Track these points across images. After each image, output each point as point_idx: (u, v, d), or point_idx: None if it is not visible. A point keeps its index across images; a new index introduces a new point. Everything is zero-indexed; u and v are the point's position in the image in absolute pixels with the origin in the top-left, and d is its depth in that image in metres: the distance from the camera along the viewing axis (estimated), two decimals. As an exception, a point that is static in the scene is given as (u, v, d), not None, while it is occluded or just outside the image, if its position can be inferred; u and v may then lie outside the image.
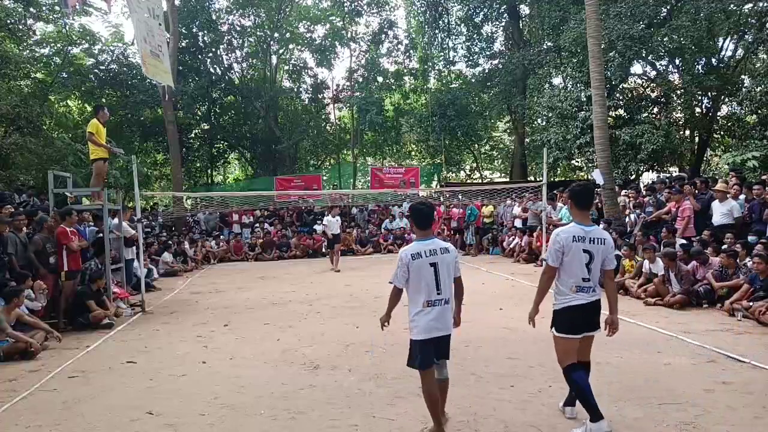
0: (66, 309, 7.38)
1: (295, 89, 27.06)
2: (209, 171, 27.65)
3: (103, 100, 23.00)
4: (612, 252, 3.71)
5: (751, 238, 7.83)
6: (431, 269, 3.52)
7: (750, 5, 14.73)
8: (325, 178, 24.26)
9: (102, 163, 8.65)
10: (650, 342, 5.71)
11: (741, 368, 4.77)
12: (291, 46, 25.95)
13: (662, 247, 8.49)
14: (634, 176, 16.75)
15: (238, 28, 24.66)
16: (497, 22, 24.39)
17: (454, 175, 29.00)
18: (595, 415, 3.45)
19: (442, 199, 19.97)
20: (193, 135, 26.41)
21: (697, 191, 9.62)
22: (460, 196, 18.35)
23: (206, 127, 26.15)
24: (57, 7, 17.05)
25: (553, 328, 3.69)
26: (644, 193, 12.22)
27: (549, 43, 18.94)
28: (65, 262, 7.41)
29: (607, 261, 3.67)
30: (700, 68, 16.75)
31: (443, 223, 17.38)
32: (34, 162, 14.65)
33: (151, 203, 23.43)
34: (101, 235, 8.94)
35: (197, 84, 23.51)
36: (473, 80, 25.54)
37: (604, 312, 3.72)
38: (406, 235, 17.54)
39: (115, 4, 26.77)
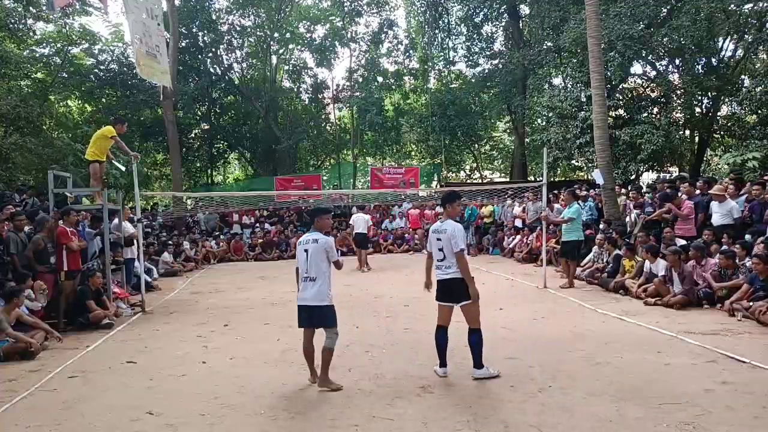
0: (66, 309, 7.38)
1: (295, 89, 27.05)
2: (209, 171, 27.63)
3: (103, 100, 23.05)
4: (454, 238, 4.62)
5: (747, 237, 7.82)
6: (304, 254, 4.62)
7: (750, 5, 14.73)
8: (325, 178, 24.26)
9: (98, 165, 8.80)
10: (650, 342, 5.71)
11: (741, 368, 4.76)
12: (291, 46, 25.95)
13: (663, 246, 8.49)
14: (634, 176, 16.74)
15: (238, 28, 24.68)
16: (497, 22, 24.37)
17: (454, 175, 29.01)
18: (442, 363, 4.80)
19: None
20: (193, 135, 26.42)
21: (699, 192, 9.61)
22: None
23: (206, 127, 26.15)
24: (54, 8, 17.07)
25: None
26: (645, 191, 12.20)
27: (549, 43, 18.92)
28: (65, 261, 7.41)
29: (452, 245, 4.63)
30: (700, 68, 16.74)
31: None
32: (34, 162, 14.65)
33: (151, 203, 23.44)
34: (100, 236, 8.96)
35: (197, 84, 23.53)
36: (473, 80, 25.53)
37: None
38: (406, 235, 17.56)
39: (113, 3, 26.81)
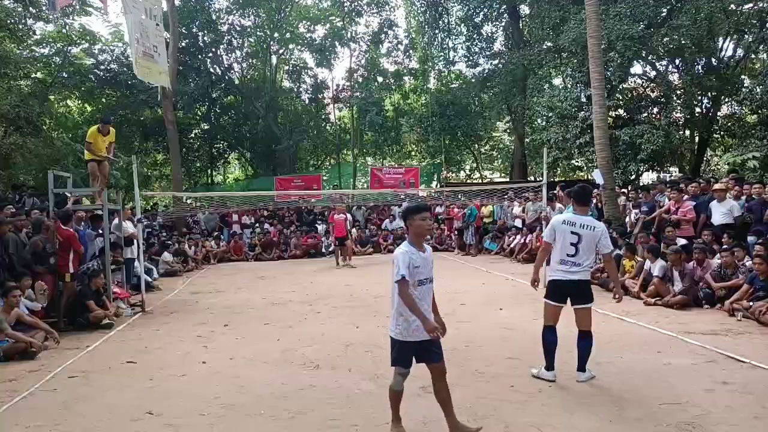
0: (66, 309, 7.38)
1: (295, 89, 27.07)
2: (209, 171, 27.66)
3: (103, 100, 23.05)
4: (606, 238, 4.47)
5: (750, 239, 7.82)
6: None
7: (750, 5, 14.74)
8: (325, 178, 24.26)
9: (95, 165, 8.78)
10: (650, 342, 5.71)
11: (741, 368, 4.76)
12: (291, 46, 25.96)
13: (663, 246, 8.49)
14: (634, 176, 16.74)
15: (238, 28, 24.68)
16: (497, 22, 24.36)
17: (454, 175, 29.00)
18: (549, 366, 4.53)
19: (442, 198, 19.97)
20: (193, 135, 26.42)
21: (701, 192, 9.61)
22: (460, 196, 18.34)
23: (206, 127, 26.16)
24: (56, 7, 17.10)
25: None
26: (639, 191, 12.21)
27: (549, 43, 18.92)
28: (70, 264, 7.42)
29: (600, 245, 4.47)
30: (700, 68, 16.75)
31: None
32: (34, 162, 14.66)
33: (151, 203, 23.45)
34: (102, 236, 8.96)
35: (197, 84, 23.52)
36: (473, 80, 25.50)
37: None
38: (406, 235, 17.52)
39: (113, 3, 26.80)
